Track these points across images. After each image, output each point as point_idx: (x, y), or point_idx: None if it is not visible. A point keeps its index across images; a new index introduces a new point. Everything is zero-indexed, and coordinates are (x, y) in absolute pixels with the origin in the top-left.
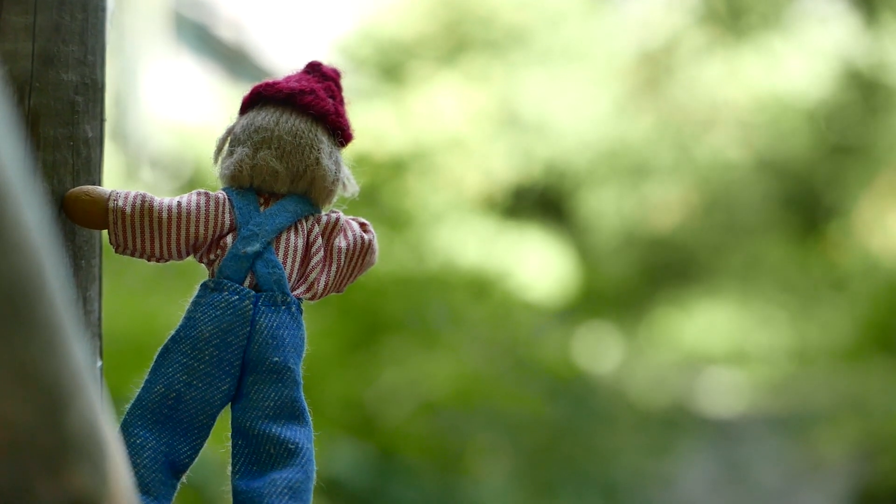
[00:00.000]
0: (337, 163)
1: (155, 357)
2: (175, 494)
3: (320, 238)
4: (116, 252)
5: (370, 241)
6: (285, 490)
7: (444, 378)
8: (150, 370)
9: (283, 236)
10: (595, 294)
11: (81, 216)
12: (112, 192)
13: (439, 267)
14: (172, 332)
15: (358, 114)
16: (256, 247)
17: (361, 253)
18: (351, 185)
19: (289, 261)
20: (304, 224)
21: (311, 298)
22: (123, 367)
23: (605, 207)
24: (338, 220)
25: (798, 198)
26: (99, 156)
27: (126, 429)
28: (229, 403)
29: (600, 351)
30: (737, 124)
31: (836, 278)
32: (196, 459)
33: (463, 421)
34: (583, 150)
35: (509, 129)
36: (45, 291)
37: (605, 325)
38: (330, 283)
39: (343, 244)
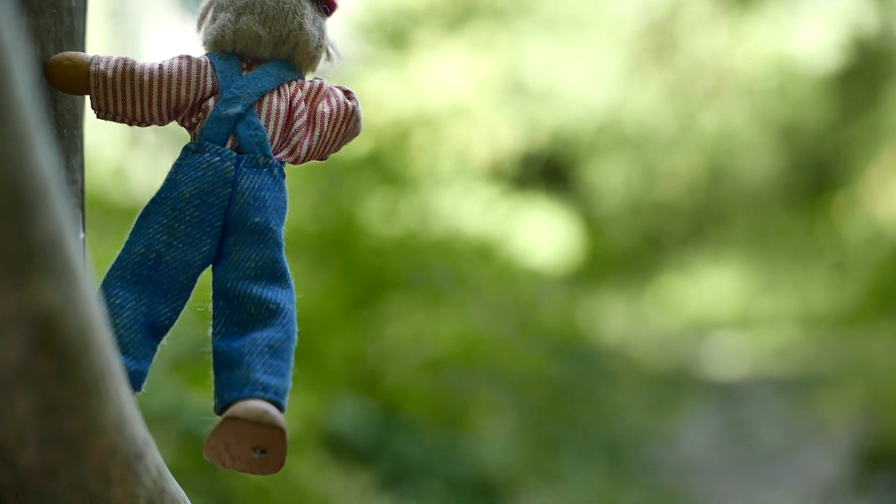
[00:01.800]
0: (321, 29)
1: (136, 219)
2: (154, 356)
3: (303, 103)
4: (98, 117)
5: (354, 107)
6: (266, 349)
7: (447, 336)
8: (130, 232)
9: (266, 100)
10: (600, 260)
11: (63, 81)
12: (94, 56)
13: (444, 231)
14: (153, 194)
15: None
16: (238, 109)
17: (345, 119)
18: (336, 54)
19: (271, 124)
20: (287, 89)
21: (294, 162)
22: None
23: (610, 175)
24: (321, 85)
25: (804, 166)
26: (82, 26)
27: (105, 289)
28: (210, 266)
29: (605, 316)
30: (743, 92)
31: (842, 246)
32: (176, 322)
33: (466, 378)
34: (588, 118)
35: (515, 98)
36: (13, 90)
37: (610, 291)
38: (313, 147)
39: (326, 109)
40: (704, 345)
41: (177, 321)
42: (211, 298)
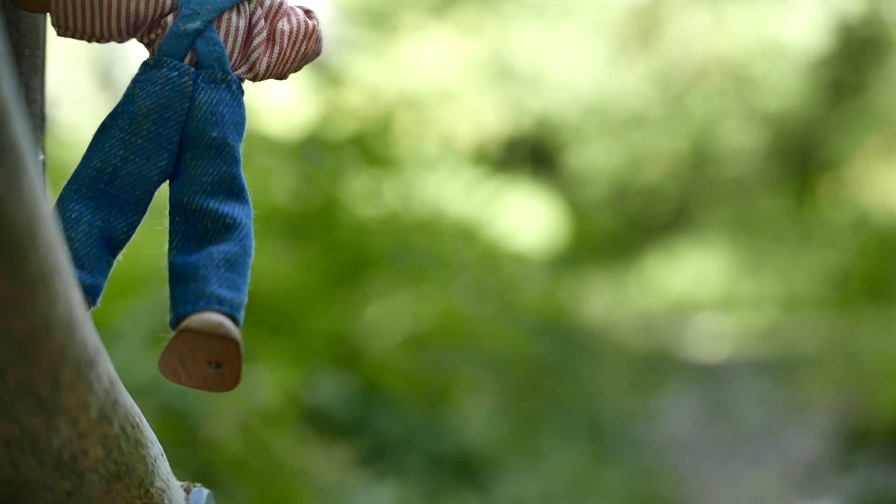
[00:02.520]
0: None
1: (93, 134)
2: (110, 272)
3: (263, 20)
4: (59, 35)
5: (314, 26)
6: (222, 263)
7: (429, 314)
8: (88, 147)
9: (225, 16)
10: (585, 243)
11: None
12: None
13: (427, 213)
14: (111, 109)
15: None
16: (197, 24)
17: (305, 38)
18: None
19: (230, 41)
20: (247, 6)
21: (253, 79)
22: (109, 298)
23: (595, 159)
24: (281, 3)
25: (789, 150)
26: None
27: (62, 203)
28: (167, 181)
29: (588, 297)
30: (728, 77)
31: (826, 230)
32: (132, 238)
33: (448, 356)
34: (574, 102)
35: (500, 81)
36: None
37: (594, 274)
38: (272, 65)
39: (286, 28)
40: (688, 327)
41: (133, 236)
42: (168, 214)
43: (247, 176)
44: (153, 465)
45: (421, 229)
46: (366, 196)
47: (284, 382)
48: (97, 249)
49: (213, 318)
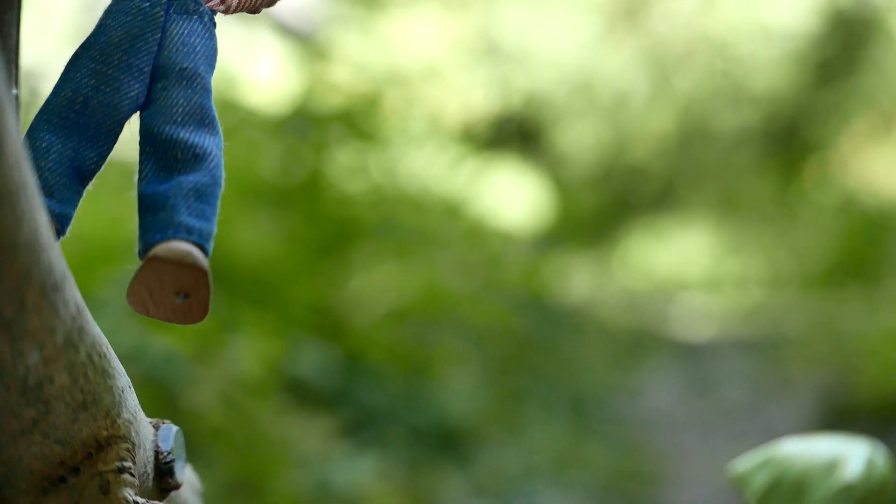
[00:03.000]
0: None
1: (65, 65)
2: (79, 201)
3: None
4: None
5: None
6: (191, 192)
7: (413, 288)
8: (59, 77)
9: None
10: (571, 222)
11: None
12: None
13: (413, 189)
14: (83, 40)
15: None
16: None
17: None
18: None
19: None
20: None
21: (225, 11)
22: (91, 267)
23: (582, 138)
24: None
25: (776, 131)
26: None
27: (32, 133)
28: (138, 112)
29: (573, 275)
30: (716, 57)
31: (812, 210)
32: (101, 168)
33: (431, 329)
34: (561, 81)
35: (488, 59)
36: None
37: (579, 251)
38: None
39: None
40: (672, 305)
41: (102, 167)
42: (138, 144)
43: (232, 149)
44: (120, 396)
45: (406, 204)
46: (351, 171)
47: (267, 353)
48: (67, 179)
49: (182, 246)
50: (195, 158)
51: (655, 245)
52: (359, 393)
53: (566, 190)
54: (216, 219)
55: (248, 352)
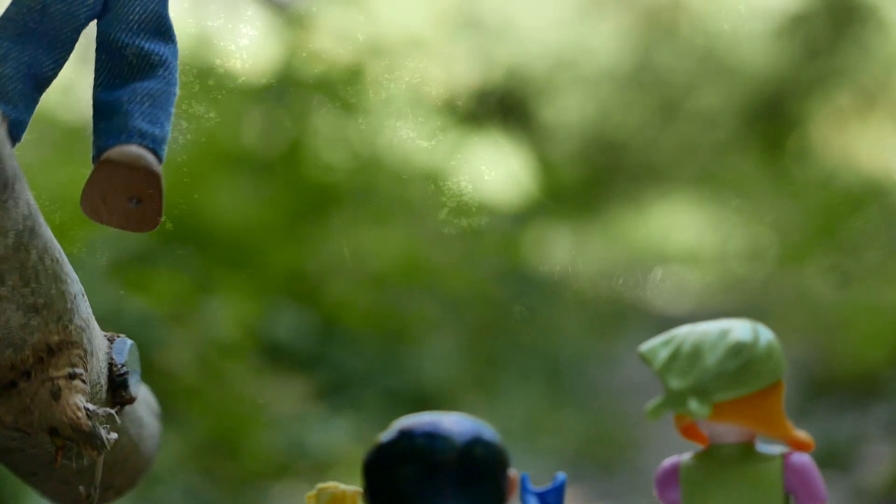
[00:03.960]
0: None
1: None
2: (35, 109)
3: None
4: None
5: None
6: (145, 98)
7: (391, 254)
8: None
9: None
10: (552, 194)
11: None
12: None
13: (394, 158)
14: None
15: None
16: None
17: None
18: None
19: None
20: None
21: None
22: (68, 226)
23: (565, 112)
24: None
25: (758, 106)
26: None
27: None
28: (95, 21)
29: (553, 247)
30: (699, 32)
31: (792, 186)
32: (58, 75)
33: (408, 295)
34: (544, 54)
35: (470, 32)
36: None
37: (560, 224)
38: None
39: None
40: (652, 278)
41: (58, 74)
42: (94, 52)
43: (212, 115)
44: (73, 302)
45: (386, 174)
46: (332, 139)
47: (242, 315)
48: (23, 86)
49: (135, 150)
50: (150, 66)
51: (636, 218)
52: (334, 356)
53: (548, 162)
54: (170, 125)
55: (224, 314)
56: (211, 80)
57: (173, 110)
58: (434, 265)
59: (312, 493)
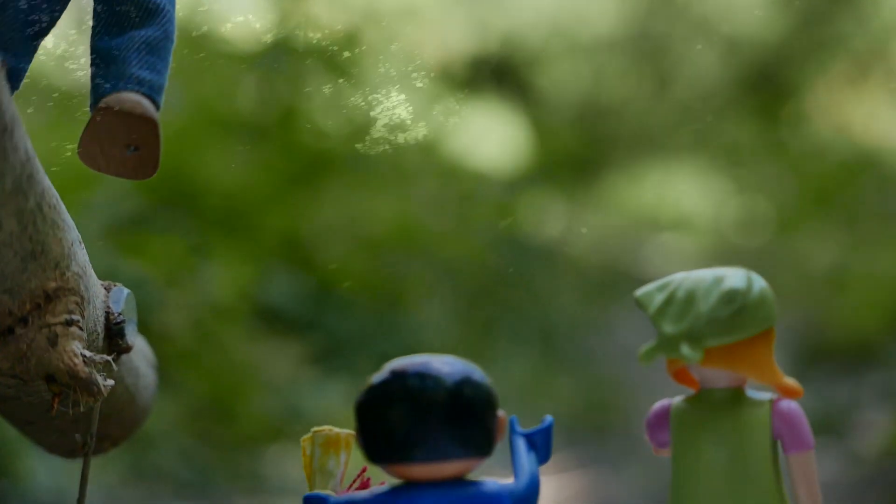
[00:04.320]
0: None
1: None
2: (33, 57)
3: None
4: None
5: None
6: (143, 46)
7: (386, 220)
8: None
9: None
10: (547, 163)
11: None
12: None
13: (389, 125)
14: None
15: None
16: None
17: None
18: None
19: None
20: None
21: None
22: (63, 191)
23: (560, 79)
24: None
25: (753, 75)
26: None
27: None
28: None
29: (547, 213)
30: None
31: (787, 154)
32: (54, 27)
33: (402, 260)
34: (540, 21)
35: (466, 0)
36: None
37: (555, 191)
38: None
39: None
40: (646, 246)
41: (54, 27)
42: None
43: (207, 81)
44: (70, 249)
45: (380, 140)
46: (327, 106)
47: (237, 279)
48: (21, 34)
49: (132, 96)
50: (147, 13)
51: (631, 185)
52: (329, 320)
53: (543, 130)
54: (167, 73)
55: (219, 278)
56: (206, 47)
57: (171, 58)
58: (427, 231)
59: (308, 436)
